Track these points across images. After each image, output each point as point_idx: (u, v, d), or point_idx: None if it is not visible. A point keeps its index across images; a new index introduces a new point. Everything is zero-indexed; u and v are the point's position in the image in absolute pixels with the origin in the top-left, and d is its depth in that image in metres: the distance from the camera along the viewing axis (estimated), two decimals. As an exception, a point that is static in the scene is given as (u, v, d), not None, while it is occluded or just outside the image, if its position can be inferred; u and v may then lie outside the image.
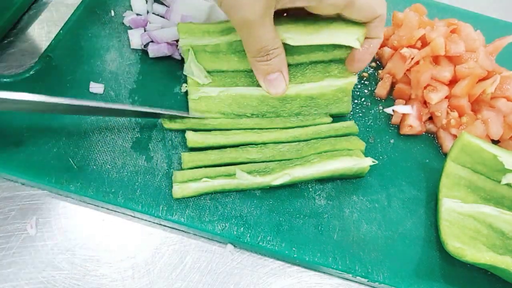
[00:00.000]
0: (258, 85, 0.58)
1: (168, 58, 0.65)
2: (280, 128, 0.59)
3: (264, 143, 0.58)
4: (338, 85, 0.60)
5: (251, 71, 0.57)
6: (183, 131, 0.59)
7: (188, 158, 0.55)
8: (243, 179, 0.53)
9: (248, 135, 0.57)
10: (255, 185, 0.54)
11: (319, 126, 0.60)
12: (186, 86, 0.60)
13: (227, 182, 0.53)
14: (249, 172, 0.54)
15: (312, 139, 0.59)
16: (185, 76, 0.59)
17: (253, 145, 0.57)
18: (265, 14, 0.49)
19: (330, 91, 0.60)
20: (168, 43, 0.64)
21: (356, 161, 0.55)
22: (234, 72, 0.59)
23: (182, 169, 0.55)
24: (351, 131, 0.60)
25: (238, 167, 0.54)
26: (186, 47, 0.58)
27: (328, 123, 0.61)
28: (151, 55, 0.64)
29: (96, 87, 0.61)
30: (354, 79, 0.60)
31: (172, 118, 0.58)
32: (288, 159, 0.56)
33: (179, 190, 0.53)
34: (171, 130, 0.59)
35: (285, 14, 0.57)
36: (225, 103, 0.59)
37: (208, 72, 0.59)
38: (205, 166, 0.55)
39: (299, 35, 0.54)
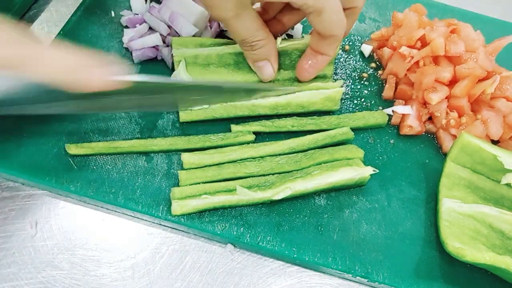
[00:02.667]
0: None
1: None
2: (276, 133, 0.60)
3: (262, 157, 0.57)
4: (326, 93, 0.61)
5: None
6: (182, 132, 0.59)
7: (185, 176, 0.54)
8: (244, 195, 0.52)
9: (245, 151, 0.56)
10: (256, 200, 0.53)
11: (315, 135, 0.59)
12: None
13: (227, 198, 0.53)
14: (249, 187, 0.53)
15: (309, 149, 0.59)
16: None
17: (251, 159, 0.57)
18: (240, 9, 0.51)
19: (319, 99, 0.61)
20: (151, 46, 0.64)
21: (357, 171, 0.55)
22: None
23: (179, 186, 0.55)
24: (347, 137, 0.60)
25: (237, 183, 0.54)
26: (179, 58, 0.59)
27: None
28: (136, 60, 0.64)
29: None
30: (341, 88, 0.62)
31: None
32: (288, 172, 0.56)
33: (178, 207, 0.52)
34: (172, 129, 0.59)
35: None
36: (216, 113, 0.59)
37: None
38: (204, 183, 0.54)
39: (285, 42, 0.61)
